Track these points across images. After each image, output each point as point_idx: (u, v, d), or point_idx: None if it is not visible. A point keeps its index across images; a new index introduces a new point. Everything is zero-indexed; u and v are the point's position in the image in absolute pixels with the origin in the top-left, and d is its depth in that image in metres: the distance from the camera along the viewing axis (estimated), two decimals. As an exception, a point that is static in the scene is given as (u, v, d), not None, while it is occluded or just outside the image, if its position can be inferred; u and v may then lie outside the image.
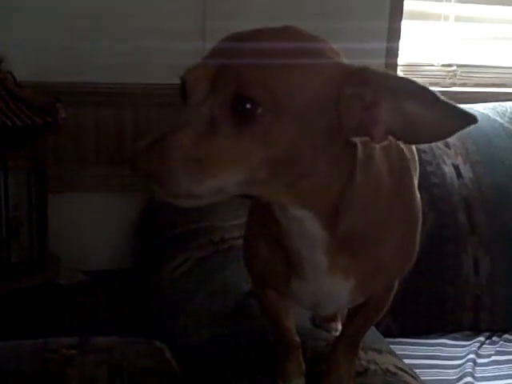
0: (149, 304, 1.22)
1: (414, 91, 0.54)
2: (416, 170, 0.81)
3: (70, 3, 1.40)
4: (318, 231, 0.64)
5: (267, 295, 0.78)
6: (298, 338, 0.82)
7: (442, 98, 0.54)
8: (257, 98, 0.53)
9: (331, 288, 0.70)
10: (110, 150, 1.47)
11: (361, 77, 0.56)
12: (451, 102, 0.54)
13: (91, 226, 1.48)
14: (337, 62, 0.57)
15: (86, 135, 1.45)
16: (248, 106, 0.54)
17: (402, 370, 0.86)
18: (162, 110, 1.47)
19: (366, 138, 0.58)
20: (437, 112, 0.53)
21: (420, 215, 0.73)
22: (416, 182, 0.80)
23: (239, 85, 0.54)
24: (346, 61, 0.59)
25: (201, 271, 1.13)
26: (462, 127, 0.54)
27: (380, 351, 0.88)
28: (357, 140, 0.60)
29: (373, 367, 0.83)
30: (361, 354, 0.85)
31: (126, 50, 1.39)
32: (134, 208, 1.48)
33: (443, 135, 0.56)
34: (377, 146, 0.62)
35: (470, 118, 0.53)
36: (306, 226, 0.64)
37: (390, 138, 0.58)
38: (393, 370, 0.84)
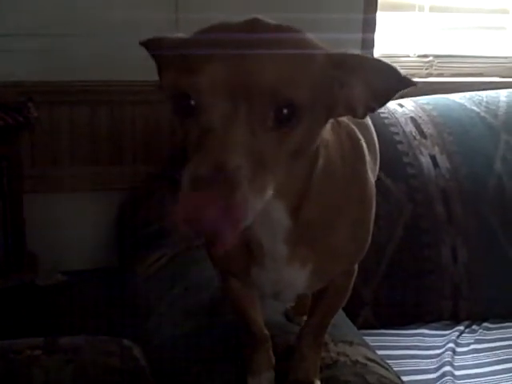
0: (125, 304, 1.22)
1: (381, 69, 0.59)
2: (376, 156, 0.82)
3: (42, 2, 1.38)
4: (283, 220, 0.65)
5: (231, 286, 0.79)
6: (266, 331, 0.82)
7: (398, 69, 0.59)
8: (291, 104, 0.54)
9: (289, 276, 0.71)
10: (86, 148, 1.46)
11: (341, 60, 0.59)
12: (395, 67, 0.59)
13: (68, 225, 1.48)
14: (323, 49, 0.59)
15: (60, 134, 1.44)
16: (285, 111, 0.54)
17: (372, 360, 0.86)
18: (137, 108, 1.46)
19: (350, 115, 0.62)
20: (394, 81, 0.59)
21: (373, 200, 0.74)
22: (377, 166, 0.81)
23: (272, 93, 0.53)
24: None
25: (175, 268, 1.12)
26: (407, 87, 0.59)
27: (351, 343, 0.88)
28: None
29: (342, 359, 0.83)
30: (331, 346, 0.85)
31: (99, 46, 1.38)
32: (110, 207, 1.47)
33: (392, 97, 0.61)
34: (330, 132, 0.64)
35: (411, 81, 0.59)
36: (274, 216, 0.65)
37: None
38: (363, 361, 0.84)
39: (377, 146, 0.85)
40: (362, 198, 0.73)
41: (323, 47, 0.60)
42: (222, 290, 0.85)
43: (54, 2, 1.39)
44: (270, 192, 0.55)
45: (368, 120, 0.83)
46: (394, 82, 0.59)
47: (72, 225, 1.48)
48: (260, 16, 0.61)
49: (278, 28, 0.59)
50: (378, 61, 0.60)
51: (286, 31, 0.59)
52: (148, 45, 0.66)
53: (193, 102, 0.54)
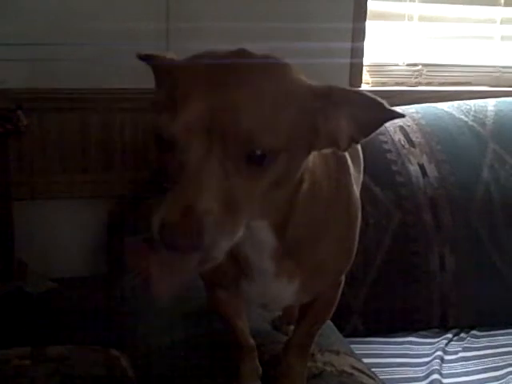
0: (114, 312, 1.22)
1: (364, 102, 0.60)
2: (360, 166, 0.83)
3: (30, 6, 1.38)
4: (269, 238, 0.67)
5: (218, 296, 0.80)
6: (252, 341, 0.83)
7: (383, 102, 0.60)
8: (264, 145, 0.55)
9: (277, 289, 0.72)
10: (75, 155, 1.46)
11: (325, 94, 0.60)
12: (379, 100, 0.60)
13: (58, 232, 1.48)
14: (305, 84, 0.60)
15: (50, 142, 1.44)
16: (258, 153, 0.55)
17: (358, 370, 0.86)
18: (127, 115, 1.46)
19: (334, 148, 0.63)
20: (379, 113, 0.60)
21: (358, 213, 0.75)
22: (361, 175, 0.82)
23: (246, 134, 0.54)
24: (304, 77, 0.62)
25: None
26: (392, 119, 0.61)
27: (338, 352, 0.89)
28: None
29: (329, 369, 0.84)
30: (317, 355, 0.86)
31: (89, 54, 1.38)
32: (99, 214, 1.47)
33: (378, 128, 0.62)
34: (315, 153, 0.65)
35: (398, 114, 0.61)
36: (259, 234, 0.66)
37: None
38: (349, 370, 0.85)
39: (360, 154, 0.86)
40: (347, 213, 0.74)
41: (305, 82, 0.60)
42: (209, 300, 0.85)
43: (44, 10, 1.39)
44: (242, 228, 0.56)
45: None
46: (380, 115, 0.60)
47: (61, 232, 1.47)
48: (246, 48, 0.61)
49: (262, 65, 0.59)
50: (363, 94, 0.60)
51: (267, 68, 0.59)
52: (145, 59, 0.67)
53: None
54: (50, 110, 1.42)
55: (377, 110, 0.60)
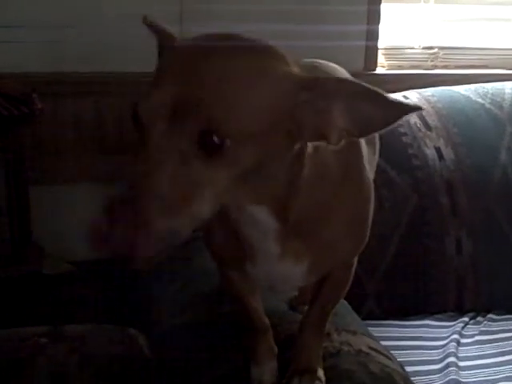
0: (130, 294, 1.22)
1: (363, 93, 0.56)
2: (375, 147, 0.82)
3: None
4: (270, 222, 0.66)
5: (230, 276, 0.80)
6: (267, 320, 0.83)
7: (385, 95, 0.56)
8: (224, 131, 0.54)
9: (283, 271, 0.71)
10: (90, 139, 1.46)
11: (312, 85, 0.57)
12: (392, 97, 0.56)
13: (74, 216, 1.48)
14: (288, 73, 0.58)
15: (65, 125, 1.44)
16: (215, 139, 0.53)
17: (375, 350, 0.86)
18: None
19: (323, 142, 0.59)
20: (382, 108, 0.56)
21: (371, 195, 0.74)
22: (376, 156, 0.81)
23: (204, 119, 0.53)
24: (295, 68, 0.59)
25: (181, 256, 1.13)
26: (405, 115, 0.56)
27: (354, 332, 0.89)
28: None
29: (346, 348, 0.84)
30: (334, 335, 0.86)
31: (103, 38, 1.38)
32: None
33: (386, 126, 0.57)
34: None
35: (413, 108, 0.56)
36: (259, 218, 0.65)
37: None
38: (366, 350, 0.84)
39: (377, 137, 0.85)
40: (359, 194, 0.72)
41: (290, 72, 0.58)
42: (222, 280, 0.85)
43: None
44: (205, 212, 0.55)
45: None
46: (385, 111, 0.56)
47: (77, 215, 1.48)
48: (233, 33, 0.59)
49: (246, 49, 0.58)
50: (364, 87, 0.56)
51: (248, 54, 0.58)
52: (150, 26, 0.68)
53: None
54: (64, 93, 1.42)
55: (381, 104, 0.55)
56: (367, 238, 0.75)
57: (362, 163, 0.72)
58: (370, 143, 0.78)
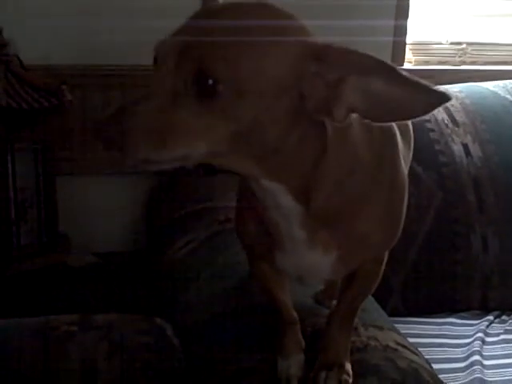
0: (157, 285, 1.23)
1: (378, 68, 0.53)
2: (410, 142, 0.81)
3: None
4: (291, 204, 0.65)
5: (260, 268, 0.80)
6: (295, 314, 0.83)
7: (409, 76, 0.53)
8: (218, 75, 0.54)
9: (312, 261, 0.71)
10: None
11: (324, 54, 0.56)
12: (420, 80, 0.52)
13: (100, 208, 1.50)
14: (300, 40, 0.57)
15: (92, 118, 1.45)
16: (210, 81, 0.55)
17: (402, 346, 0.86)
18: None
19: (327, 118, 0.58)
20: (405, 90, 0.52)
21: (405, 189, 0.73)
22: (410, 152, 0.80)
23: (201, 61, 0.55)
24: (314, 39, 0.58)
25: (206, 251, 1.13)
26: (434, 106, 0.52)
27: (381, 328, 0.88)
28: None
29: (373, 343, 0.83)
30: (361, 330, 0.85)
31: (133, 31, 1.38)
32: (143, 190, 1.49)
33: (413, 114, 0.54)
34: (355, 121, 0.61)
35: (442, 97, 0.52)
36: (280, 199, 0.65)
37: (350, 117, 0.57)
38: (393, 346, 0.84)
39: (411, 132, 0.84)
40: (393, 185, 0.71)
41: (303, 39, 0.57)
42: (251, 272, 0.85)
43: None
44: (192, 155, 0.56)
45: None
46: (407, 94, 0.52)
47: (103, 207, 1.49)
48: (266, 2, 0.61)
49: (265, 12, 0.59)
50: (385, 63, 0.53)
51: (272, 16, 0.58)
52: None
53: None
54: (92, 86, 1.43)
55: (401, 86, 0.51)
56: (400, 233, 0.74)
57: (398, 156, 0.71)
58: (405, 137, 0.77)
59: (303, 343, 0.83)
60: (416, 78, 0.52)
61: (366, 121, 0.57)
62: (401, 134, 0.73)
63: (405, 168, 0.75)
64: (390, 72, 0.53)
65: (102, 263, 1.39)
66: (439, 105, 0.52)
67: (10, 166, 1.26)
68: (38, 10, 1.39)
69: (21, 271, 1.28)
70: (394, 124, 0.71)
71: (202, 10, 0.62)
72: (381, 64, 0.53)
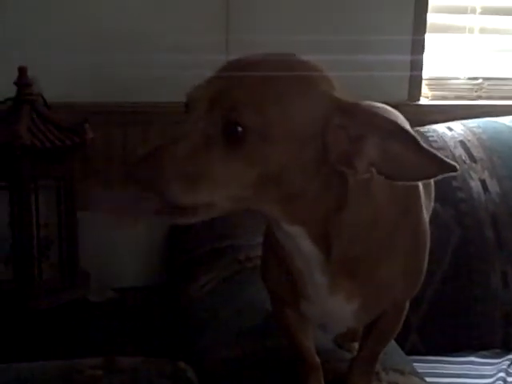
0: (177, 322, 1.24)
1: (397, 133, 0.58)
2: (431, 194, 0.82)
3: (96, 23, 1.43)
4: (311, 249, 0.66)
5: (284, 313, 0.80)
6: (318, 359, 0.83)
7: (425, 145, 0.57)
8: (247, 123, 0.57)
9: (335, 309, 0.72)
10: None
11: (349, 110, 0.59)
12: (432, 149, 0.57)
13: (120, 243, 1.51)
14: (327, 93, 0.60)
15: (114, 154, 1.47)
16: (239, 129, 0.57)
17: (424, 391, 0.86)
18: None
19: (350, 170, 0.60)
20: (419, 156, 0.57)
21: (427, 239, 0.75)
22: (431, 203, 0.81)
23: (231, 110, 0.57)
24: (339, 92, 0.61)
25: (226, 290, 1.14)
26: (441, 174, 0.57)
27: (402, 372, 0.88)
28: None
29: (395, 389, 0.83)
30: (382, 374, 0.85)
31: (152, 67, 1.41)
32: (162, 226, 1.50)
33: (423, 177, 0.60)
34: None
35: (450, 167, 0.56)
36: (300, 243, 0.66)
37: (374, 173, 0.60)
38: (415, 391, 0.84)
39: (432, 183, 0.85)
40: (415, 235, 0.73)
41: (331, 93, 0.59)
42: (275, 317, 0.85)
43: (109, 25, 1.43)
44: (219, 200, 0.58)
45: None
46: (417, 160, 0.56)
47: (123, 242, 1.51)
48: (293, 54, 0.64)
49: (293, 64, 0.62)
50: (403, 129, 0.57)
51: (300, 68, 0.61)
52: None
53: None
54: (114, 122, 1.45)
55: (418, 154, 0.56)
56: (421, 283, 0.75)
57: (420, 207, 0.73)
58: (427, 188, 0.78)
59: (325, 389, 0.83)
60: (431, 149, 0.57)
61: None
62: (423, 185, 0.74)
63: (426, 217, 0.75)
64: (408, 139, 0.57)
65: (122, 298, 1.40)
66: (448, 173, 0.57)
67: (33, 203, 1.28)
68: (60, 48, 1.42)
69: (42, 307, 1.29)
70: None
71: (232, 61, 0.64)
72: (402, 131, 0.57)
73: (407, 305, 0.79)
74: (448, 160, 0.56)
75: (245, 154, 0.57)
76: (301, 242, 0.66)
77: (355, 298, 0.71)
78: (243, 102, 0.57)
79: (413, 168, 0.57)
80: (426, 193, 0.77)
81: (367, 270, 0.70)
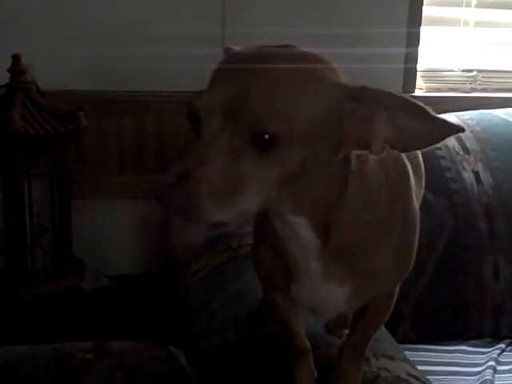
0: (170, 309, 1.24)
1: (406, 106, 0.59)
2: (421, 180, 0.82)
3: (92, 12, 1.43)
4: (311, 238, 0.67)
5: (275, 298, 0.81)
6: (308, 343, 0.83)
7: (430, 111, 0.58)
8: (274, 130, 0.57)
9: (327, 294, 0.73)
10: (131, 157, 1.49)
11: (358, 94, 0.60)
12: (438, 115, 0.59)
13: (114, 231, 1.51)
14: (336, 82, 0.61)
15: (108, 142, 1.47)
16: (267, 137, 0.57)
17: (413, 376, 0.86)
18: (184, 118, 1.49)
19: (366, 151, 0.62)
20: (426, 122, 0.58)
21: (417, 226, 0.75)
22: (422, 190, 0.82)
23: (257, 122, 0.57)
24: (343, 79, 0.62)
25: (218, 277, 1.14)
26: (450, 134, 0.59)
27: (392, 358, 0.89)
28: (353, 154, 0.63)
29: (384, 374, 0.84)
30: (372, 360, 0.86)
31: (147, 58, 1.41)
32: (154, 214, 1.50)
33: (434, 143, 0.61)
34: (370, 159, 0.65)
35: (459, 129, 0.59)
36: (300, 232, 0.67)
37: (388, 149, 0.61)
38: (404, 376, 0.85)
39: (423, 170, 0.86)
40: (406, 223, 0.74)
41: (338, 81, 0.60)
42: (266, 302, 0.86)
43: (105, 14, 1.43)
44: (251, 207, 0.59)
45: None
46: (429, 126, 0.58)
47: (117, 230, 1.51)
48: (291, 45, 0.63)
49: (298, 57, 0.61)
50: (407, 100, 0.59)
51: (306, 61, 0.61)
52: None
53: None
54: (109, 111, 1.45)
55: (425, 121, 0.58)
56: (411, 267, 0.75)
57: (411, 196, 0.74)
58: (417, 175, 0.79)
59: (315, 373, 0.84)
60: (437, 115, 0.58)
61: (393, 151, 0.62)
62: (414, 173, 0.75)
63: (416, 204, 0.76)
64: (416, 110, 0.58)
65: (116, 286, 1.40)
66: (455, 133, 0.59)
67: (26, 191, 1.28)
68: (55, 36, 1.42)
69: (35, 295, 1.29)
70: (407, 163, 0.74)
71: (233, 56, 0.64)
72: (406, 101, 0.59)
73: (397, 290, 0.79)
74: (456, 122, 0.58)
75: (274, 157, 0.57)
76: (301, 230, 0.67)
77: (347, 283, 0.72)
78: (267, 113, 0.56)
79: (424, 136, 0.59)
80: (416, 179, 0.77)
81: (359, 257, 0.71)
